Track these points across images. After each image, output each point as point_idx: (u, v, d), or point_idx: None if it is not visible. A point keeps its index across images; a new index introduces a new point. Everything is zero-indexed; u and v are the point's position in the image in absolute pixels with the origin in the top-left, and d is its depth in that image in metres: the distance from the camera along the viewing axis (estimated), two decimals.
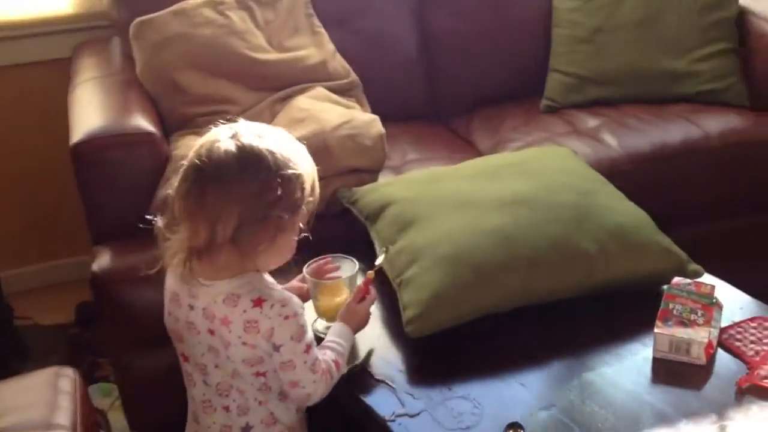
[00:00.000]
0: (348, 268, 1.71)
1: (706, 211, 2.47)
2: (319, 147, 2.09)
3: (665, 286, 1.73)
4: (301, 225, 1.47)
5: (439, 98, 2.79)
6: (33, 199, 2.85)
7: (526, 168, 1.98)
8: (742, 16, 2.75)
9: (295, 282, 1.71)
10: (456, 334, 1.68)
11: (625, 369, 1.61)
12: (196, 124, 2.25)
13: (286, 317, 1.43)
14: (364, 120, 2.23)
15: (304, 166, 1.46)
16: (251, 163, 1.39)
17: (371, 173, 2.19)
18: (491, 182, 1.92)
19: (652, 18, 2.71)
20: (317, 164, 2.00)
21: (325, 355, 1.52)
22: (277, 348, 1.44)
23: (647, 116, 2.58)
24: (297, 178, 1.43)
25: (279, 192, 1.39)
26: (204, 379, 1.51)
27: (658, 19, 2.71)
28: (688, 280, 1.74)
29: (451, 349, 1.68)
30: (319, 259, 1.70)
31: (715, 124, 2.53)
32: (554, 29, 2.79)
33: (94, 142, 2.06)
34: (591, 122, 2.58)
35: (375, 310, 1.79)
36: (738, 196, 2.50)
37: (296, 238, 1.47)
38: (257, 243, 1.41)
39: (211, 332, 1.45)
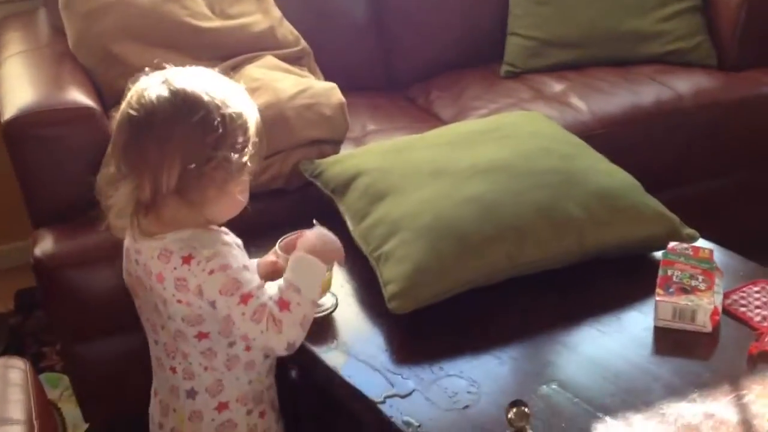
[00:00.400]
0: None
1: (679, 174, 2.39)
2: (275, 118, 1.95)
3: (661, 252, 1.61)
4: (248, 174, 1.38)
5: (393, 67, 2.65)
6: None
7: (500, 134, 1.85)
8: None
9: (269, 256, 1.56)
10: (441, 309, 1.55)
11: (626, 339, 1.50)
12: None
13: (211, 272, 1.33)
14: (323, 88, 2.07)
15: (244, 105, 1.36)
16: (186, 105, 1.31)
17: (333, 144, 2.04)
18: (465, 150, 1.79)
19: None
20: (274, 137, 1.86)
21: (269, 299, 1.35)
22: (212, 304, 1.34)
23: (614, 78, 2.48)
24: (238, 117, 1.34)
25: (220, 131, 1.31)
26: (155, 338, 1.46)
27: None
28: (685, 245, 1.63)
29: (437, 325, 1.55)
30: (292, 234, 1.55)
31: (686, 84, 2.44)
32: None
33: (27, 118, 1.87)
34: (556, 86, 2.47)
35: (351, 288, 1.65)
36: (712, 158, 2.42)
37: (247, 186, 1.39)
38: (204, 189, 1.33)
39: (151, 288, 1.38)
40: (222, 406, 1.45)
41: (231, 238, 1.41)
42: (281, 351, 1.35)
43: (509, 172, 1.68)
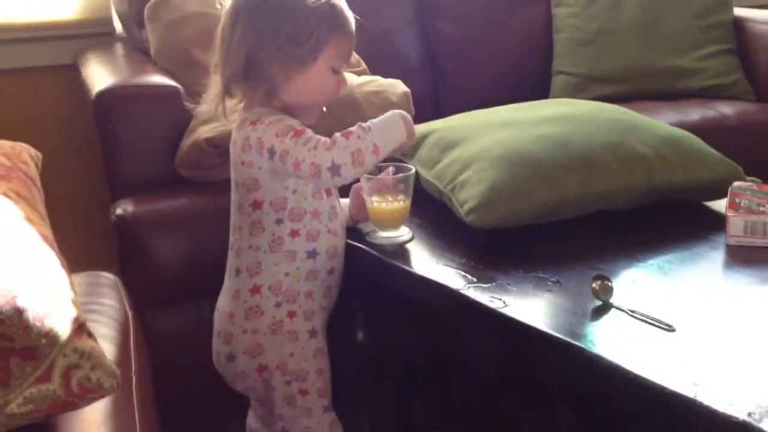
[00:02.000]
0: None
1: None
2: (347, 100, 2.06)
3: (729, 187, 1.67)
4: (331, 71, 1.50)
5: (443, 104, 2.78)
6: None
7: (562, 102, 1.96)
8: (737, 20, 2.83)
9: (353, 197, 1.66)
10: (514, 241, 1.60)
11: (698, 256, 1.54)
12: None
13: (270, 123, 1.46)
14: (389, 81, 2.21)
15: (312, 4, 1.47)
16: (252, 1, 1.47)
17: None
18: (530, 110, 1.89)
19: (652, 21, 2.78)
20: (344, 117, 1.96)
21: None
22: (270, 152, 1.44)
23: (659, 105, 2.60)
24: (301, 10, 1.45)
25: (279, 23, 1.44)
26: (232, 219, 1.57)
27: (657, 22, 2.78)
28: (749, 183, 1.69)
29: (511, 252, 1.59)
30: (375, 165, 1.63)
31: (728, 108, 2.56)
32: (555, 35, 2.84)
33: (118, 91, 2.01)
34: None
35: (419, 238, 1.68)
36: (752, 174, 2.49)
37: (326, 81, 1.50)
38: (270, 76, 1.47)
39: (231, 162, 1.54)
40: (255, 290, 1.52)
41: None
42: (324, 169, 1.40)
43: (576, 121, 1.77)
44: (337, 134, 1.44)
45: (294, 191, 1.51)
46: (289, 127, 1.45)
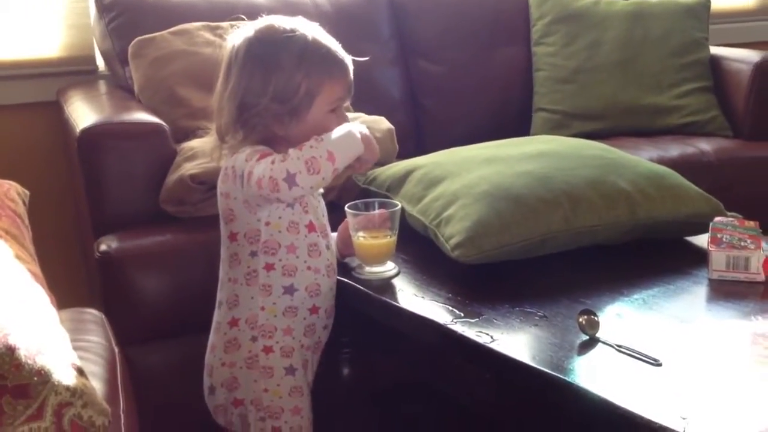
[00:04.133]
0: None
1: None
2: None
3: (711, 222, 1.69)
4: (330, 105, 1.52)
5: (424, 139, 2.80)
6: None
7: (543, 139, 1.99)
8: (714, 58, 2.88)
9: (340, 232, 1.69)
10: (499, 275, 1.61)
11: (681, 290, 1.56)
12: (197, 137, 2.20)
13: (244, 151, 1.48)
14: (373, 118, 2.23)
15: (290, 61, 1.49)
16: (239, 59, 1.51)
17: (381, 165, 2.15)
18: (513, 147, 1.91)
19: (630, 60, 2.82)
20: None
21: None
22: (241, 178, 1.46)
23: (639, 141, 2.64)
24: (276, 69, 1.48)
25: (262, 83, 1.48)
26: (221, 252, 1.60)
27: (636, 61, 2.82)
28: (730, 218, 1.72)
29: (497, 286, 1.60)
30: (361, 202, 1.65)
31: (707, 144, 2.60)
32: (536, 73, 2.87)
33: (102, 128, 2.01)
34: None
35: (405, 273, 1.68)
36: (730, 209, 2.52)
37: (328, 118, 1.52)
38: (254, 130, 1.51)
39: None
40: (233, 322, 1.54)
41: None
42: (280, 180, 1.40)
43: (558, 157, 1.80)
44: (291, 149, 1.45)
45: (267, 223, 1.52)
46: (257, 151, 1.47)
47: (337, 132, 1.48)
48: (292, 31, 1.50)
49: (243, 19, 1.57)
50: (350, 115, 2.21)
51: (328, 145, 1.44)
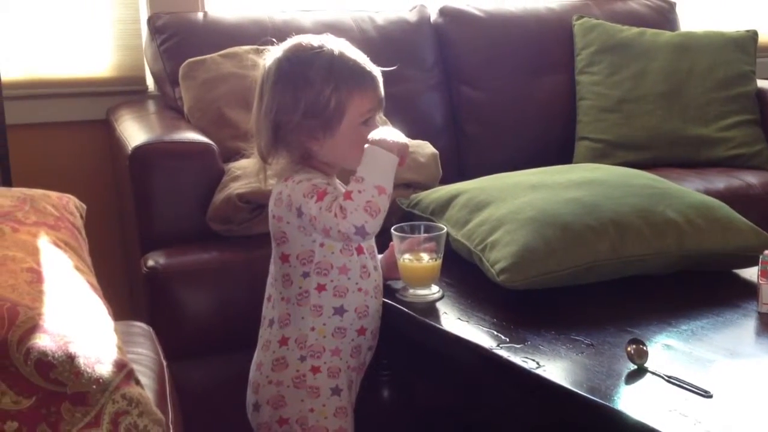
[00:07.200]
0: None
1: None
2: None
3: (760, 255, 1.68)
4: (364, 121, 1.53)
5: (466, 164, 2.81)
6: None
7: (590, 167, 1.98)
8: (760, 91, 2.86)
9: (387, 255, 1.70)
10: (544, 302, 1.61)
11: (730, 323, 1.55)
12: (244, 158, 2.23)
13: (299, 182, 1.50)
14: (417, 142, 2.24)
15: (320, 76, 1.50)
16: (271, 78, 1.53)
17: (425, 189, 2.16)
18: (559, 174, 1.92)
19: (675, 91, 2.81)
20: None
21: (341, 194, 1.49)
22: (299, 212, 1.49)
23: (684, 172, 2.62)
24: (307, 86, 1.50)
25: (294, 100, 1.50)
26: (270, 271, 1.62)
27: (681, 92, 2.81)
28: None
29: (541, 313, 1.60)
30: (407, 224, 1.67)
31: (754, 177, 2.58)
32: (579, 102, 2.87)
33: (154, 146, 2.04)
34: None
35: (449, 297, 1.69)
36: None
37: (361, 130, 1.52)
38: (292, 148, 1.53)
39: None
40: (283, 341, 1.55)
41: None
42: (351, 234, 1.44)
43: (605, 185, 1.80)
44: (341, 200, 1.45)
45: (321, 245, 1.53)
46: (314, 187, 1.48)
47: (366, 162, 1.47)
48: (320, 47, 1.52)
49: (274, 42, 1.59)
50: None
51: (372, 181, 1.45)
